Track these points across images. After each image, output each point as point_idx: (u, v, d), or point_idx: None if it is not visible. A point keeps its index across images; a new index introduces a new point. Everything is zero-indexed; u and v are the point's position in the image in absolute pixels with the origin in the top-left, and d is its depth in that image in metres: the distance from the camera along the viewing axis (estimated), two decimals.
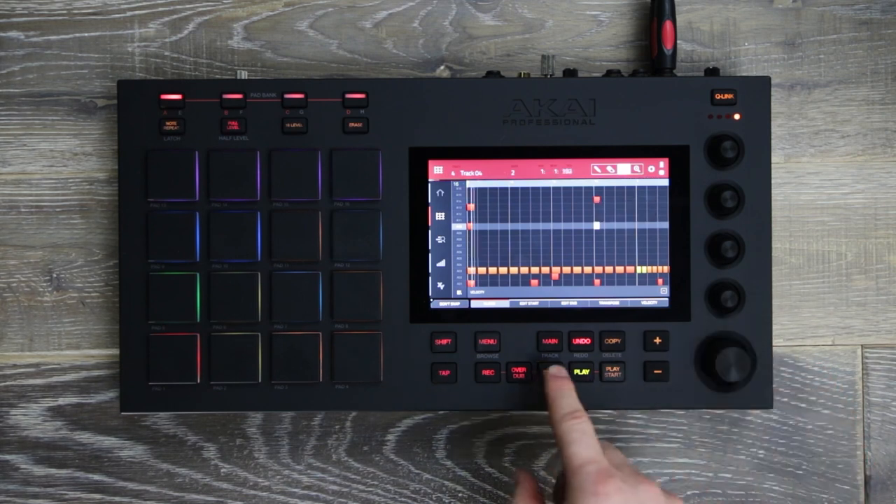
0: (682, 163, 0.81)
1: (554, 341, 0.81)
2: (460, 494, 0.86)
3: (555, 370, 0.77)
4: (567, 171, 0.81)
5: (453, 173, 0.82)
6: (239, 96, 0.81)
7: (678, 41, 0.86)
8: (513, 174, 0.82)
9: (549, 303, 0.81)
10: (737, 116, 0.81)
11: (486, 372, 0.81)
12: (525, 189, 0.81)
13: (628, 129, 0.81)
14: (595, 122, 0.81)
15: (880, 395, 0.87)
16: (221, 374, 0.81)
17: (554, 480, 0.85)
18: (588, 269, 0.82)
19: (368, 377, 0.81)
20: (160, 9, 0.86)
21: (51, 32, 0.86)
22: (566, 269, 0.81)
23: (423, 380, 0.81)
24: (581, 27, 0.87)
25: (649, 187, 0.82)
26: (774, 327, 0.84)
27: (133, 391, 0.81)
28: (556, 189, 0.81)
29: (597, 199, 0.82)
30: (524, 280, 0.82)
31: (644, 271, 0.82)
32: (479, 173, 0.82)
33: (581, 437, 0.70)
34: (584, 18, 0.87)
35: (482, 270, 0.82)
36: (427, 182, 0.82)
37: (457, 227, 0.82)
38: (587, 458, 0.69)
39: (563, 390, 0.74)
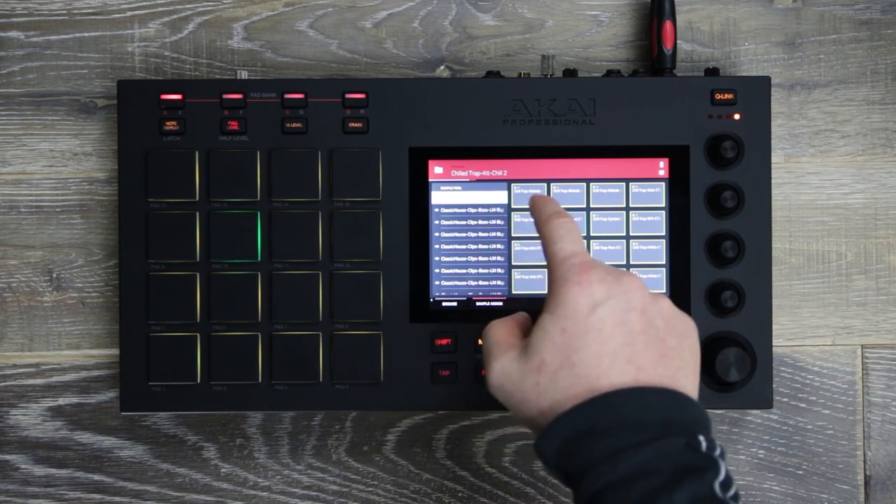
0: (682, 163, 0.81)
1: None
2: (460, 494, 0.86)
3: (536, 193, 0.76)
4: (567, 171, 0.81)
5: (453, 173, 0.82)
6: (239, 96, 0.81)
7: (678, 41, 0.86)
8: (512, 174, 0.82)
9: None
10: (737, 116, 0.81)
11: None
12: (524, 189, 0.81)
13: (628, 129, 0.81)
14: (595, 122, 0.81)
15: (880, 395, 0.87)
16: (221, 374, 0.81)
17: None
18: None
19: (368, 377, 0.81)
20: (160, 9, 0.86)
21: (51, 32, 0.86)
22: None
23: (423, 380, 0.81)
24: (581, 27, 0.87)
25: (649, 187, 0.82)
26: (774, 327, 0.84)
27: (133, 391, 0.81)
28: (556, 189, 0.81)
29: (596, 199, 0.82)
30: (524, 280, 0.82)
31: (644, 271, 0.82)
32: (478, 173, 0.82)
33: (567, 234, 0.69)
34: (584, 18, 0.87)
35: (482, 270, 0.82)
36: (427, 182, 0.82)
37: (457, 226, 0.82)
38: (572, 251, 0.68)
39: (545, 199, 0.73)
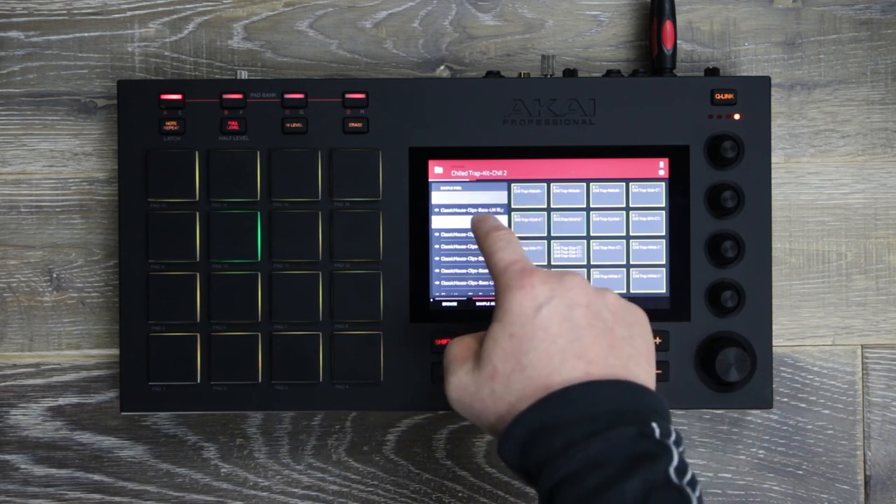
0: (682, 163, 0.81)
1: None
2: (460, 494, 0.86)
3: (474, 214, 0.77)
4: (567, 170, 0.81)
5: (453, 173, 0.82)
6: (239, 96, 0.81)
7: (678, 41, 0.86)
8: (512, 174, 0.82)
9: None
10: (737, 116, 0.81)
11: None
12: (524, 189, 0.81)
13: (628, 129, 0.81)
14: (595, 122, 0.81)
15: (880, 395, 0.87)
16: (221, 374, 0.81)
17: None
18: (588, 269, 0.82)
19: (368, 377, 0.81)
20: (160, 9, 0.86)
21: (51, 32, 0.86)
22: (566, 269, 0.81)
23: (423, 380, 0.81)
24: (581, 27, 0.87)
25: (649, 187, 0.82)
26: (774, 327, 0.84)
27: (133, 391, 0.81)
28: (556, 189, 0.81)
29: (596, 199, 0.82)
30: None
31: (644, 271, 0.82)
32: (478, 173, 0.82)
33: (506, 244, 0.70)
34: (584, 18, 0.87)
35: (482, 270, 0.82)
36: (427, 182, 0.82)
37: (457, 226, 0.82)
38: (511, 259, 0.69)
39: (483, 217, 0.74)
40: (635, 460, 0.62)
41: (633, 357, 0.67)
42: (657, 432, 0.63)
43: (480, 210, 0.82)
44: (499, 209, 0.82)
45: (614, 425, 0.63)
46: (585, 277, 0.69)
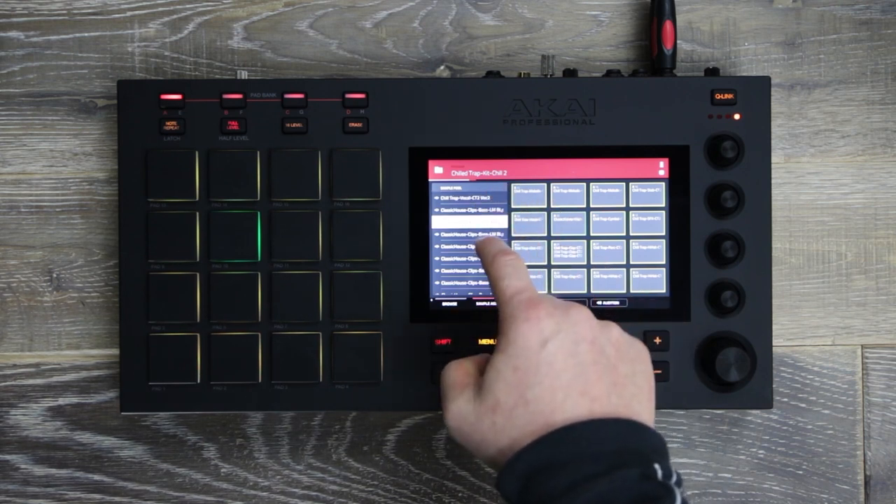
0: (682, 163, 0.81)
1: None
2: (460, 494, 0.86)
3: (480, 237, 0.77)
4: (567, 170, 0.81)
5: (453, 173, 0.82)
6: (239, 96, 0.81)
7: (678, 41, 0.86)
8: (512, 174, 0.82)
9: None
10: (737, 116, 0.81)
11: None
12: (524, 189, 0.81)
13: (628, 129, 0.81)
14: (595, 122, 0.81)
15: (880, 395, 0.87)
16: (221, 374, 0.81)
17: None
18: (588, 269, 0.82)
19: (368, 377, 0.81)
20: (160, 9, 0.86)
21: (51, 32, 0.86)
22: (565, 269, 0.82)
23: (423, 380, 0.81)
24: (581, 27, 0.87)
25: (649, 187, 0.82)
26: (774, 327, 0.84)
27: (133, 391, 0.81)
28: (556, 189, 0.81)
29: (596, 199, 0.82)
30: None
31: (644, 271, 0.82)
32: (478, 173, 0.82)
33: (514, 271, 0.70)
34: (584, 18, 0.87)
35: (482, 270, 0.82)
36: (427, 182, 0.82)
37: (457, 226, 0.82)
38: (518, 287, 0.68)
39: (490, 240, 0.73)
40: (638, 502, 0.61)
41: (636, 395, 0.67)
42: (659, 473, 0.63)
43: (481, 210, 0.82)
44: (498, 209, 0.82)
45: (618, 466, 0.62)
46: (589, 309, 0.69)
